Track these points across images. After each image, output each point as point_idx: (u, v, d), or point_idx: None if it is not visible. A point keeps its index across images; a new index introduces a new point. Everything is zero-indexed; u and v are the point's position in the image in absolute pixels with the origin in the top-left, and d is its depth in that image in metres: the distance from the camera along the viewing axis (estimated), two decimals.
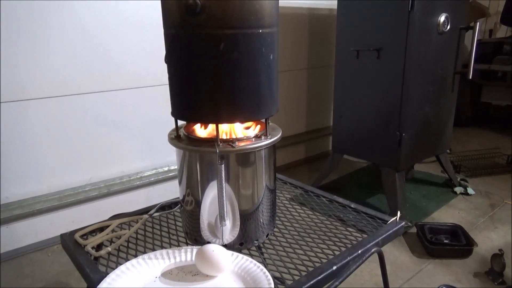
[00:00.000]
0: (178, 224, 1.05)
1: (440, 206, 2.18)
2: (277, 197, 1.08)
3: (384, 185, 2.07)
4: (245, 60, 0.79)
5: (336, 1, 2.14)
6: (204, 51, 0.78)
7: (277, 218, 1.05)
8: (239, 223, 0.94)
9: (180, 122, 0.94)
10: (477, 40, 2.13)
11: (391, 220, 1.00)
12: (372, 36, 1.99)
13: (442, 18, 1.93)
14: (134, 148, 2.03)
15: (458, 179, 2.38)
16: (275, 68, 0.85)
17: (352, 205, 1.09)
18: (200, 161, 0.88)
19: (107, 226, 1.03)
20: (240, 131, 0.93)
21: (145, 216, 1.06)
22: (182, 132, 0.94)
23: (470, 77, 2.03)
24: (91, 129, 1.86)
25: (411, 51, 1.85)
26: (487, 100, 3.27)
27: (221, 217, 0.88)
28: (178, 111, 0.88)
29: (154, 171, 2.10)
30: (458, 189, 2.30)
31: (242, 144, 0.85)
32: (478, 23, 1.98)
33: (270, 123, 0.92)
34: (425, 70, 1.96)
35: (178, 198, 1.02)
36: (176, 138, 0.91)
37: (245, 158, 0.88)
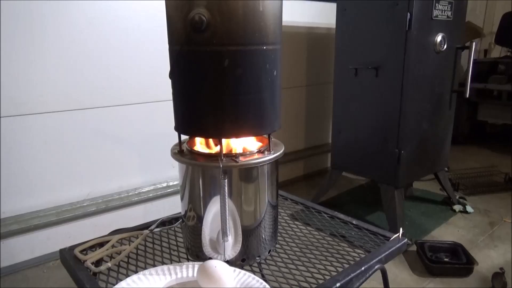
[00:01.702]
0: (179, 239, 1.05)
1: (440, 224, 2.17)
2: (278, 213, 1.08)
3: (383, 202, 2.06)
4: (249, 76, 0.80)
5: (334, 21, 2.17)
6: (209, 67, 0.79)
7: (278, 234, 1.05)
8: (241, 239, 0.94)
9: (183, 137, 0.94)
10: (473, 59, 2.17)
11: (393, 237, 1.00)
12: (370, 55, 2.02)
13: (438, 38, 1.96)
14: (133, 163, 2.02)
15: (457, 197, 2.39)
16: (278, 84, 0.86)
17: (354, 222, 1.09)
18: (203, 176, 0.88)
19: (107, 242, 1.02)
20: (243, 147, 0.94)
21: (146, 231, 1.05)
22: (185, 147, 0.94)
23: (467, 96, 2.05)
24: (90, 144, 1.86)
25: (408, 69, 1.87)
26: (483, 118, 3.30)
27: (224, 232, 0.88)
28: (181, 126, 0.89)
29: (152, 187, 2.09)
30: (457, 207, 2.30)
31: (245, 159, 0.86)
32: (474, 43, 2.02)
33: (272, 139, 0.93)
34: (423, 88, 1.98)
35: (179, 213, 1.02)
36: (179, 152, 0.91)
37: (248, 173, 0.88)
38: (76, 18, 1.70)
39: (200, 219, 0.92)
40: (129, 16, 1.85)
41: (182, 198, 0.96)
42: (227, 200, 0.85)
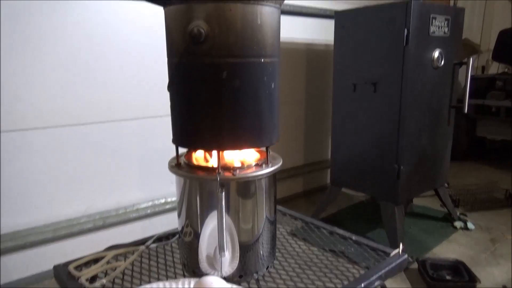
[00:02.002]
0: (176, 255, 1.03)
1: (441, 241, 2.14)
2: (276, 229, 1.06)
3: (383, 218, 2.04)
4: (247, 88, 0.80)
5: (333, 37, 2.19)
6: (207, 79, 0.79)
7: (277, 250, 1.03)
8: (238, 254, 0.92)
9: (181, 151, 0.93)
10: (471, 75, 2.19)
11: (393, 253, 0.98)
12: (369, 70, 2.03)
13: (436, 54, 1.98)
14: (131, 179, 2.00)
15: (458, 214, 2.36)
16: (276, 97, 0.86)
17: (354, 237, 1.07)
18: (200, 189, 0.87)
19: (102, 257, 1.00)
20: (241, 160, 0.93)
21: (142, 247, 1.03)
22: (182, 160, 0.93)
23: (466, 111, 2.05)
24: (88, 159, 1.85)
25: (407, 85, 1.88)
26: (482, 134, 3.30)
27: (221, 248, 0.86)
28: (179, 138, 0.88)
29: (150, 203, 2.06)
30: (458, 224, 2.28)
31: (243, 172, 0.85)
32: (471, 59, 2.04)
33: (270, 152, 0.92)
34: (421, 104, 1.99)
35: (176, 229, 1.00)
36: (176, 165, 0.90)
37: (246, 186, 0.87)
38: (75, 33, 1.71)
39: (197, 234, 0.91)
40: (129, 32, 1.86)
41: (179, 214, 0.95)
42: (225, 214, 0.84)
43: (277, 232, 1.11)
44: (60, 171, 1.78)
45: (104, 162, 1.90)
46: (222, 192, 0.81)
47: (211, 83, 0.79)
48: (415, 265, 1.88)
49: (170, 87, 0.86)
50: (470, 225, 2.26)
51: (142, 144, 2.01)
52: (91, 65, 1.79)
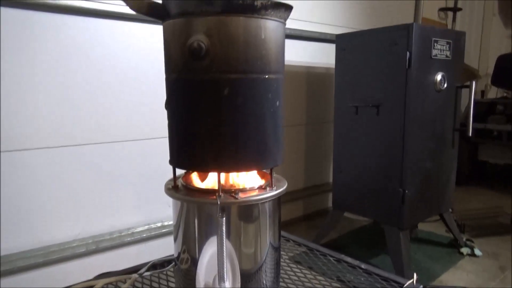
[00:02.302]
0: (172, 284, 0.95)
1: (448, 268, 2.05)
2: (280, 256, 0.99)
3: (388, 244, 1.96)
4: (250, 106, 0.75)
5: (333, 60, 2.17)
6: (207, 96, 0.74)
7: (281, 280, 0.95)
8: (239, 284, 0.84)
9: (179, 172, 0.87)
10: (474, 99, 2.16)
11: (407, 284, 0.91)
12: (371, 93, 1.99)
13: (438, 77, 1.95)
14: (127, 202, 1.93)
15: (464, 239, 2.28)
16: (280, 115, 0.81)
17: (363, 266, 0.99)
18: (199, 213, 0.80)
19: (92, 287, 0.92)
20: (243, 182, 0.86)
21: (135, 275, 0.95)
22: (180, 182, 0.87)
23: (470, 134, 2.01)
24: (82, 181, 1.77)
25: (410, 108, 1.84)
26: (484, 158, 3.24)
27: (220, 277, 0.79)
28: (176, 159, 0.82)
29: (146, 227, 1.98)
30: (464, 250, 2.19)
31: (245, 195, 0.78)
32: (474, 82, 2.00)
33: (274, 174, 0.86)
34: (425, 127, 1.94)
35: (172, 255, 0.92)
36: (173, 188, 0.84)
37: (249, 211, 0.81)
38: (73, 52, 1.68)
39: (194, 262, 0.84)
40: (127, 53, 1.83)
41: (175, 239, 0.88)
42: (225, 240, 0.77)
43: (281, 259, 1.03)
44: (51, 193, 1.70)
45: (98, 184, 1.83)
46: (222, 217, 0.75)
47: (212, 101, 0.73)
48: None
49: (168, 105, 0.80)
50: (477, 251, 2.18)
51: (138, 165, 1.94)
52: (88, 85, 1.74)
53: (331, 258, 1.04)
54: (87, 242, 1.81)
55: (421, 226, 2.50)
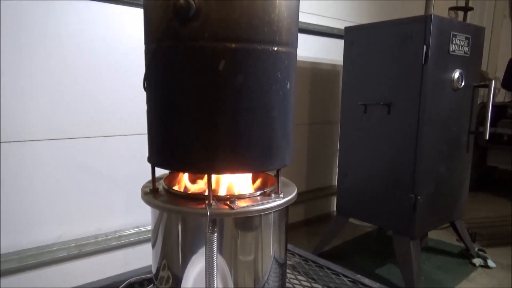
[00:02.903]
0: None
1: (460, 280, 1.85)
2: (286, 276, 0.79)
3: (397, 254, 1.76)
4: (254, 87, 0.55)
5: (339, 57, 1.98)
6: (197, 72, 0.54)
7: None
8: None
9: (160, 172, 0.67)
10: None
11: None
12: (382, 90, 1.80)
13: (456, 74, 1.75)
14: (115, 202, 1.72)
15: (476, 249, 2.08)
16: (292, 102, 0.61)
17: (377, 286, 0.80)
18: (183, 226, 0.61)
19: None
20: (241, 186, 0.67)
21: None
22: (161, 184, 0.67)
23: (487, 138, 1.82)
24: (66, 178, 1.57)
25: (425, 107, 1.64)
26: (493, 164, 3.05)
27: None
28: (157, 156, 0.62)
29: (135, 230, 1.78)
30: (477, 261, 1.99)
31: (244, 204, 0.59)
32: (493, 81, 1.81)
33: (281, 177, 0.67)
34: (439, 128, 1.74)
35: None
36: (151, 192, 0.64)
37: (248, 224, 0.61)
38: (65, 45, 1.49)
39: (177, 281, 0.64)
40: (121, 47, 1.64)
41: (153, 253, 0.68)
42: (216, 261, 0.57)
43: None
44: (30, 190, 1.50)
45: (84, 182, 1.63)
46: (213, 233, 0.55)
47: (203, 78, 0.54)
48: None
49: (146, 83, 0.61)
50: (490, 262, 1.98)
51: (128, 163, 1.74)
52: (80, 77, 1.55)
53: (345, 279, 0.84)
54: (69, 246, 1.60)
55: (430, 234, 2.31)
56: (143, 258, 1.75)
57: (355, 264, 1.95)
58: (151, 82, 0.60)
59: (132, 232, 1.77)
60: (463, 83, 1.78)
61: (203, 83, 0.54)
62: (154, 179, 0.66)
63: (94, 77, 1.60)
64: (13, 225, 1.49)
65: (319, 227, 2.47)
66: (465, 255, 2.08)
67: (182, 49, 0.54)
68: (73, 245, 1.61)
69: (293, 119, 0.63)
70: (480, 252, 2.07)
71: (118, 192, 1.74)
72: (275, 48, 0.56)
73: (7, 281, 1.51)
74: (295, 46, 0.61)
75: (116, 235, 1.72)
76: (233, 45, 0.53)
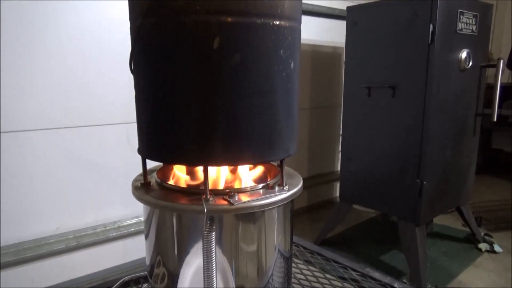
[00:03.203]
0: None
1: (466, 266, 1.81)
2: (291, 271, 0.74)
3: (402, 241, 1.71)
4: (253, 67, 0.48)
5: (340, 39, 1.89)
6: (188, 52, 0.47)
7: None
8: None
9: (152, 164, 0.61)
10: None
11: None
12: (386, 72, 1.72)
13: (463, 54, 1.67)
14: (112, 192, 1.67)
15: (482, 234, 2.03)
16: (296, 84, 0.54)
17: (396, 285, 0.74)
18: (178, 223, 0.54)
19: None
20: (241, 178, 0.60)
21: None
22: (154, 178, 0.61)
23: (495, 120, 1.75)
24: (61, 169, 1.51)
25: (431, 89, 1.56)
26: (498, 146, 2.98)
27: None
28: (147, 148, 0.56)
29: (135, 220, 1.73)
30: (483, 246, 1.95)
31: (245, 198, 0.53)
32: (501, 61, 1.73)
33: (285, 168, 0.60)
34: (446, 111, 1.67)
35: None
36: (142, 186, 0.58)
37: (250, 221, 0.55)
38: (58, 33, 1.41)
39: (173, 280, 0.59)
40: (115, 33, 1.55)
41: (146, 248, 0.63)
42: (215, 261, 0.51)
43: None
44: (25, 182, 1.44)
45: (81, 172, 1.57)
46: (211, 231, 0.49)
47: (195, 59, 0.47)
48: None
49: (133, 65, 0.54)
50: (497, 247, 1.93)
51: (127, 152, 1.68)
52: (70, 63, 1.47)
53: (353, 273, 0.79)
54: (67, 237, 1.55)
55: (435, 219, 2.25)
56: (143, 249, 1.71)
57: (360, 251, 1.91)
58: (138, 64, 0.53)
59: (131, 222, 1.72)
60: (470, 64, 1.70)
61: (195, 64, 0.47)
62: (145, 172, 0.59)
63: (85, 63, 1.52)
64: (8, 218, 1.44)
65: (322, 213, 2.42)
66: (471, 240, 2.03)
67: (170, 25, 0.46)
68: (71, 236, 1.57)
69: (297, 104, 0.56)
70: (486, 237, 2.02)
71: (115, 182, 1.68)
72: (277, 23, 0.48)
73: (4, 274, 1.47)
74: (299, 20, 0.53)
75: (115, 226, 1.67)
76: (228, 19, 0.45)
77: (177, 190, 0.56)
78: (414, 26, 1.59)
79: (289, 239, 0.63)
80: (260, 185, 0.56)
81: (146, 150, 0.55)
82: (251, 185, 0.56)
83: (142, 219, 1.74)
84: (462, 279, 1.72)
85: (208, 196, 0.51)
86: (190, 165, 0.58)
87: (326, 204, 2.54)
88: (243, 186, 0.57)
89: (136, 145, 0.75)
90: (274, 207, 0.55)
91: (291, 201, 0.59)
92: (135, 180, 0.60)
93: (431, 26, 1.54)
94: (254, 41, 0.47)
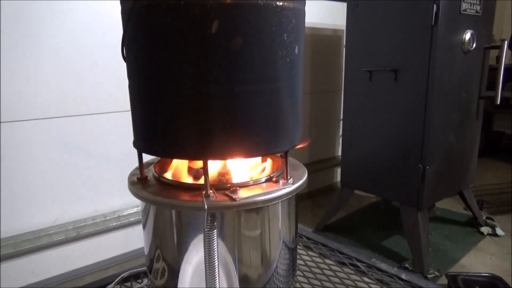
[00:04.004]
0: None
1: (468, 250, 1.80)
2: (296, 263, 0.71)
3: (404, 226, 1.69)
4: (254, 53, 0.44)
5: (341, 22, 1.83)
6: (185, 36, 0.43)
7: None
8: None
9: (149, 158, 0.58)
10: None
11: None
12: (388, 55, 1.67)
13: (467, 36, 1.62)
14: (111, 182, 1.64)
15: (483, 217, 2.02)
16: (301, 70, 0.51)
17: (403, 276, 0.72)
18: (178, 221, 0.51)
19: None
20: (243, 172, 0.57)
21: None
22: (151, 172, 0.57)
23: (498, 102, 1.71)
24: (59, 159, 1.48)
25: (434, 72, 1.52)
26: (499, 129, 2.95)
27: None
28: (142, 141, 0.52)
29: (135, 210, 1.70)
30: (485, 229, 1.93)
31: (247, 194, 0.49)
32: (505, 42, 1.68)
33: (290, 158, 0.57)
34: (449, 94, 1.63)
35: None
36: (139, 181, 0.54)
37: (253, 216, 0.52)
38: (48, 19, 1.35)
39: (174, 275, 0.56)
40: (107, 21, 1.50)
41: (145, 242, 0.60)
42: (217, 260, 0.49)
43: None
44: (23, 173, 1.41)
45: (79, 162, 1.54)
46: (212, 229, 0.46)
47: (191, 43, 0.43)
48: (443, 280, 1.55)
49: (126, 52, 0.50)
50: (499, 231, 1.92)
51: (124, 141, 1.64)
52: (63, 50, 1.42)
53: (360, 264, 0.76)
54: (67, 228, 1.53)
55: (437, 203, 2.24)
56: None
57: (361, 237, 1.89)
58: (130, 50, 0.49)
59: (131, 212, 1.69)
60: (474, 45, 1.65)
61: (192, 49, 0.43)
62: (141, 166, 0.56)
63: (77, 50, 1.47)
64: (6, 210, 1.41)
65: (323, 199, 2.41)
66: (473, 223, 2.02)
67: (164, 7, 0.42)
68: (70, 227, 1.54)
69: (302, 91, 0.53)
70: (488, 220, 2.01)
71: (112, 171, 1.65)
72: (280, 4, 0.44)
73: (4, 267, 1.45)
74: (303, 2, 0.49)
75: (115, 216, 1.65)
76: (228, 0, 0.41)
77: (175, 186, 0.52)
78: (416, 6, 1.54)
79: (294, 231, 0.60)
80: (263, 179, 0.53)
81: (142, 143, 0.52)
82: (254, 178, 0.53)
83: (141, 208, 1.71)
84: (464, 263, 1.71)
85: (209, 192, 0.48)
86: (189, 159, 0.54)
87: (327, 190, 2.52)
88: (245, 179, 0.53)
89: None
90: (278, 202, 0.52)
91: (295, 194, 0.55)
92: (131, 175, 0.57)
93: (434, 6, 1.48)
94: (256, 24, 0.43)
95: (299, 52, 0.49)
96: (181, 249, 0.53)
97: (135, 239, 1.74)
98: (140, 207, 1.65)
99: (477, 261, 1.73)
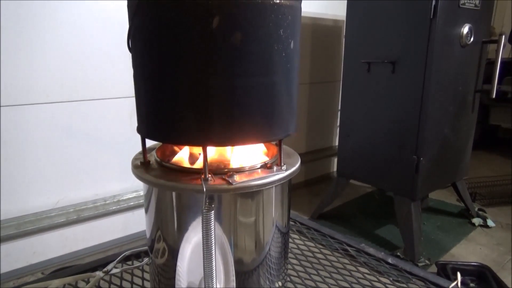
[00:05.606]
0: (148, 284, 0.72)
1: (459, 240, 1.86)
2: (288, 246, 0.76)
3: (397, 216, 1.74)
4: (253, 48, 0.48)
5: (341, 12, 1.85)
6: (187, 30, 0.47)
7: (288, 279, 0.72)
8: (234, 284, 0.62)
9: (152, 143, 0.61)
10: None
11: (451, 286, 0.68)
12: (386, 47, 1.70)
13: (465, 29, 1.64)
14: (111, 166, 1.68)
15: (475, 209, 2.07)
16: (296, 64, 0.54)
17: (406, 268, 0.76)
18: (178, 203, 0.56)
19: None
20: (240, 158, 0.61)
21: (99, 273, 0.72)
22: (153, 157, 0.61)
23: (494, 96, 1.74)
24: (60, 144, 1.52)
25: (431, 64, 1.55)
26: (496, 122, 2.99)
27: (208, 280, 0.55)
28: (146, 126, 0.56)
29: (135, 194, 1.75)
30: (476, 221, 1.99)
31: (243, 178, 0.53)
32: (503, 36, 1.71)
33: (284, 147, 0.61)
34: (446, 87, 1.66)
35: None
36: (142, 165, 0.58)
37: (248, 200, 0.56)
38: (53, 5, 1.37)
39: (174, 254, 0.60)
40: (112, 7, 1.52)
41: (147, 224, 0.64)
42: (214, 240, 0.53)
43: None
44: (25, 157, 1.45)
45: (80, 146, 1.58)
46: (210, 210, 0.50)
47: (194, 37, 0.46)
48: (433, 269, 1.60)
49: (131, 43, 0.53)
50: (490, 222, 1.97)
51: (125, 126, 1.68)
52: (64, 36, 1.45)
53: (350, 250, 0.81)
54: (68, 211, 1.58)
55: (431, 194, 2.29)
56: (143, 222, 1.75)
57: (356, 225, 1.95)
58: (135, 42, 0.52)
59: (130, 196, 1.74)
60: (472, 39, 1.68)
61: (195, 43, 0.46)
62: (145, 150, 0.60)
63: (79, 35, 1.50)
64: (9, 192, 1.46)
65: (319, 188, 2.46)
66: (465, 215, 2.08)
67: (169, 3, 0.46)
68: (71, 210, 1.59)
69: (298, 83, 0.56)
70: (480, 212, 2.06)
71: (114, 156, 1.69)
72: (277, 1, 0.48)
73: (6, 247, 1.50)
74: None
75: (115, 200, 1.70)
76: None
77: (176, 170, 0.56)
78: None
79: (286, 215, 0.65)
80: (259, 165, 0.57)
81: (146, 129, 0.56)
82: (249, 165, 0.57)
83: (141, 193, 1.76)
84: (454, 252, 1.77)
85: (208, 176, 0.52)
86: (189, 145, 0.58)
87: (323, 179, 2.56)
88: (241, 165, 0.57)
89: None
90: (272, 186, 0.56)
91: (288, 180, 0.59)
92: (134, 159, 0.61)
93: (433, 0, 1.51)
94: (253, 20, 0.46)
95: (295, 46, 0.52)
96: (181, 230, 0.57)
97: (134, 223, 1.79)
98: (141, 192, 1.70)
99: (467, 251, 1.78)
